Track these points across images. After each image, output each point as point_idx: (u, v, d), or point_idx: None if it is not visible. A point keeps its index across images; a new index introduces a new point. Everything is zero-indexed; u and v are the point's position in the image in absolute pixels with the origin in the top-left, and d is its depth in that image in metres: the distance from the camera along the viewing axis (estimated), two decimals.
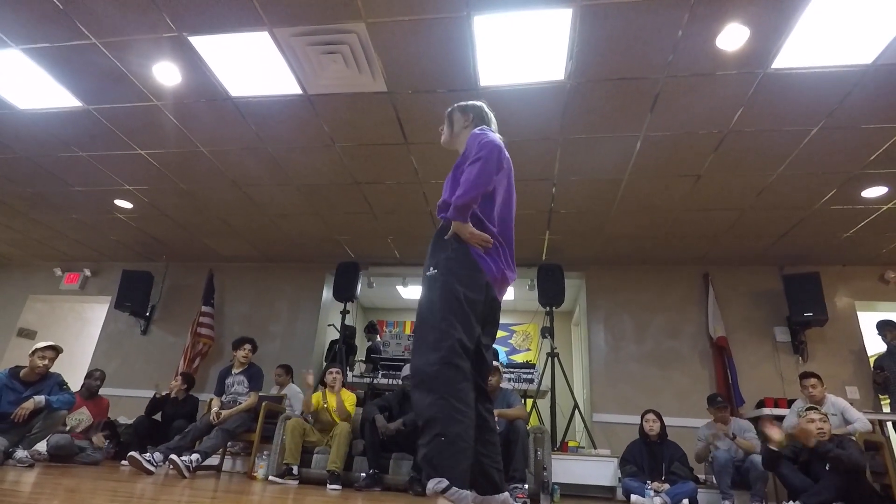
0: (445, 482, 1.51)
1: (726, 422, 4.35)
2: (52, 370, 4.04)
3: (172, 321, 6.64)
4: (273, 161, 4.44)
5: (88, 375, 5.01)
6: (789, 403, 4.80)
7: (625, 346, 5.84)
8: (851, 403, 4.30)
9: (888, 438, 4.49)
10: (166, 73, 3.45)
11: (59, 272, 7.09)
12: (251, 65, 3.34)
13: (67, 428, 4.49)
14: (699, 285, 5.92)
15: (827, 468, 3.25)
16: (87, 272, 7.04)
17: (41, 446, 4.06)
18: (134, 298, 6.43)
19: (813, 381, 4.23)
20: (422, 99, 3.58)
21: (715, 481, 4.19)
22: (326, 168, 4.50)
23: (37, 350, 3.95)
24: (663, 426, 4.37)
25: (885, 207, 4.57)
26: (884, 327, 4.97)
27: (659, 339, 5.81)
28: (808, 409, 3.57)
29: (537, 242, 5.75)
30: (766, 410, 4.86)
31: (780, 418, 4.67)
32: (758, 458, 3.85)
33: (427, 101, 3.60)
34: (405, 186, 4.73)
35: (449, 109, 2.19)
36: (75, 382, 4.81)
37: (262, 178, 4.72)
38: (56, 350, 4.03)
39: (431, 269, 1.83)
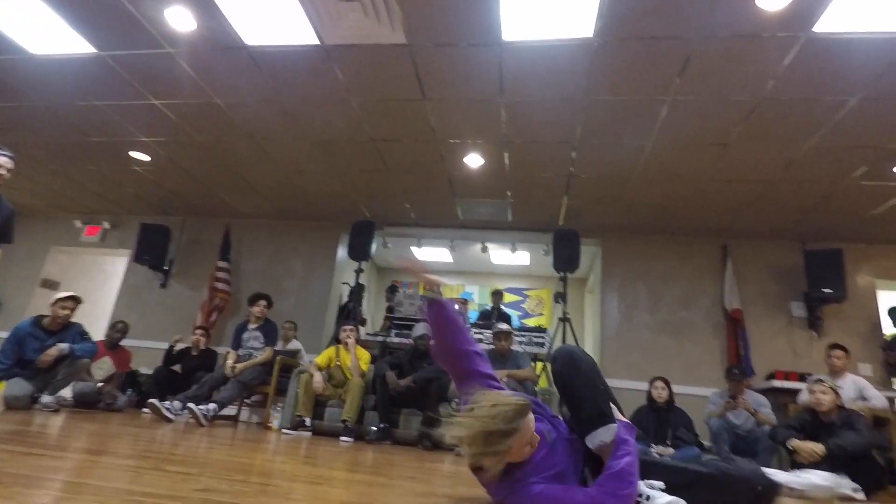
0: None
1: (741, 393, 4.36)
2: (74, 320, 4.15)
3: (190, 275, 6.73)
4: (288, 115, 4.37)
5: (111, 327, 5.14)
6: (800, 377, 4.78)
7: (637, 315, 5.82)
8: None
9: None
10: (179, 19, 3.35)
11: (79, 224, 7.17)
12: (267, 12, 3.23)
13: (95, 379, 4.64)
14: (717, 257, 5.83)
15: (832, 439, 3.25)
16: (107, 225, 7.12)
17: (66, 393, 4.20)
18: (152, 252, 6.50)
19: (838, 352, 4.22)
20: (442, 53, 3.45)
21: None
22: (342, 123, 4.42)
23: (58, 300, 4.03)
24: (671, 393, 4.39)
25: None
26: (894, 313, 5.04)
27: (673, 309, 5.77)
28: (816, 381, 3.55)
29: (554, 207, 5.66)
30: (777, 383, 4.85)
31: (791, 391, 4.67)
32: (767, 430, 3.87)
33: (447, 56, 3.48)
34: (422, 145, 4.64)
35: None
36: (98, 334, 4.94)
37: (278, 132, 4.66)
38: (76, 300, 4.11)
39: None
